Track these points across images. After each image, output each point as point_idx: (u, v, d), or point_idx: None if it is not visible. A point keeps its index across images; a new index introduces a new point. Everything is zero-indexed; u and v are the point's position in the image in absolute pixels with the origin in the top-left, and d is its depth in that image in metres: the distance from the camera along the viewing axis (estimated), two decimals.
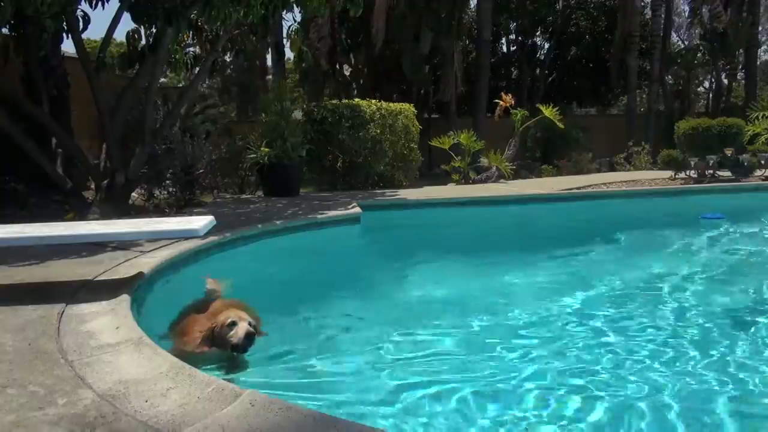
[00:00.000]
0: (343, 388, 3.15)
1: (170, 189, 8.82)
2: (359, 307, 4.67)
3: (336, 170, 11.63)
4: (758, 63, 26.09)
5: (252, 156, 10.06)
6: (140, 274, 4.01)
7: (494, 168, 13.19)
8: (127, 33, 8.39)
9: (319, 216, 7.46)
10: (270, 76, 21.71)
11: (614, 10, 22.58)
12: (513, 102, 15.06)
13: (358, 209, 8.07)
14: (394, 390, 3.04)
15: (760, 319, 4.32)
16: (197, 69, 9.39)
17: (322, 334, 4.01)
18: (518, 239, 7.91)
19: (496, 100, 15.35)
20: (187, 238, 4.95)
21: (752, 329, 4.13)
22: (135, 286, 3.74)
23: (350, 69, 21.95)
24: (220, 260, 5.38)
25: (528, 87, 24.78)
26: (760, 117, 15.39)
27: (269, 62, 22.27)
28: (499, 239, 7.92)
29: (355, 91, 20.55)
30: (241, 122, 18.68)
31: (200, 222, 3.97)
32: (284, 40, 18.16)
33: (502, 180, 13.12)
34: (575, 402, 2.94)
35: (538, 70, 25.76)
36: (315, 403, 2.88)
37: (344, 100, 12.24)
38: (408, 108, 12.73)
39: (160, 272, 4.37)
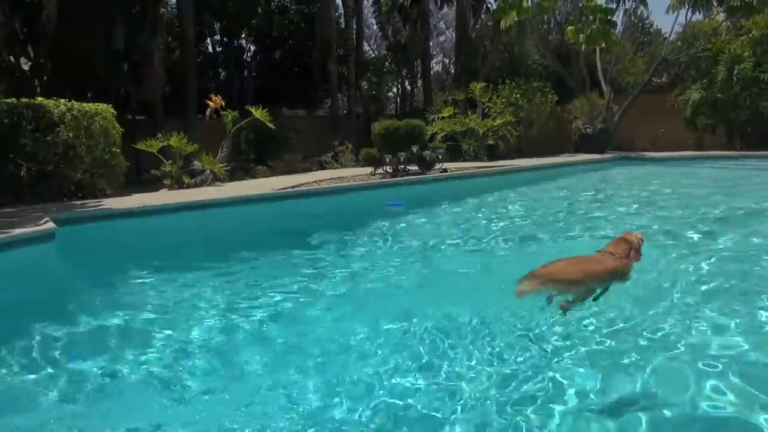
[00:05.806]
0: None
1: None
2: (49, 345, 4.06)
3: (20, 181, 9.94)
4: (432, 72, 30.70)
5: None
6: None
7: (208, 171, 12.94)
8: None
9: None
10: None
11: (313, 17, 23.94)
12: (223, 103, 14.97)
13: (51, 224, 7.12)
14: None
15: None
16: None
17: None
18: (236, 242, 7.85)
19: (207, 101, 15.07)
20: None
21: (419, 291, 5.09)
22: None
23: (30, 63, 18.89)
24: None
25: (237, 88, 24.74)
26: (436, 119, 18.24)
27: None
28: (216, 244, 7.78)
29: (39, 89, 17.78)
30: None
31: None
32: None
33: (217, 182, 12.95)
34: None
35: (246, 72, 25.92)
36: None
37: (25, 99, 10.51)
38: (106, 109, 11.60)
39: None
